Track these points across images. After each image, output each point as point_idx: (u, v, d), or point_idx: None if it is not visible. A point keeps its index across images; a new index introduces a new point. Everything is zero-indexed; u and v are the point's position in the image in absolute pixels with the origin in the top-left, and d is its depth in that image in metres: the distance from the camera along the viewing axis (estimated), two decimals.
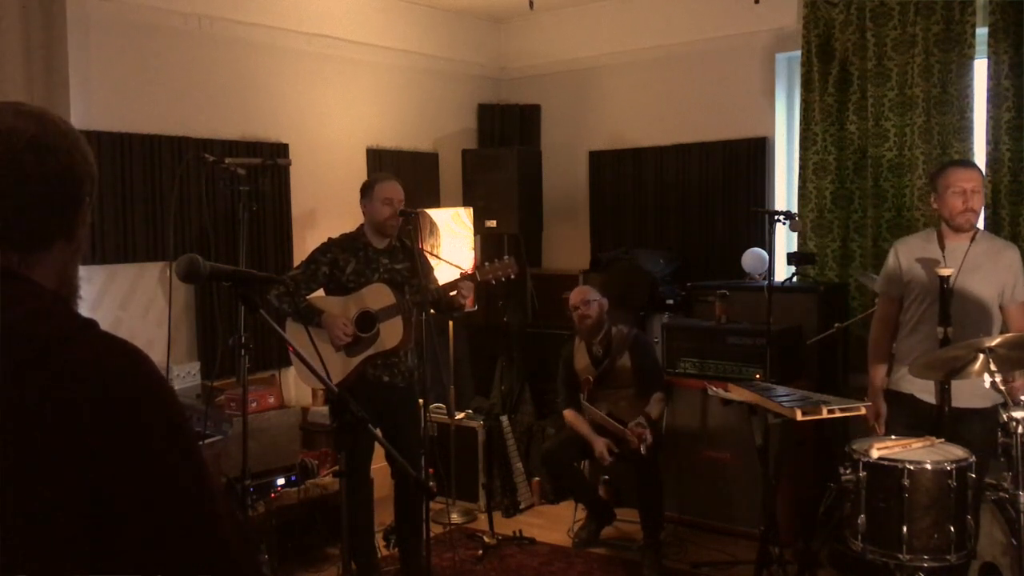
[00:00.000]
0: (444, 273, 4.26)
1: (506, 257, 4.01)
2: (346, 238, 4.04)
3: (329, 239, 4.07)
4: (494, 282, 4.00)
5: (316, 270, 3.97)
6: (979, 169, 3.68)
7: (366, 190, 4.01)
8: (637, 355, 4.59)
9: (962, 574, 3.17)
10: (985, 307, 3.53)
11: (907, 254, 3.68)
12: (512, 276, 4.00)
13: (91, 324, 1.07)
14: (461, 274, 3.99)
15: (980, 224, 4.52)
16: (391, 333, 3.87)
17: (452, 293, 3.95)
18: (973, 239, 3.55)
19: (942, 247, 3.57)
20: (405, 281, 3.94)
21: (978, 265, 3.52)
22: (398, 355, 3.97)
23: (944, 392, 3.37)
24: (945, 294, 3.42)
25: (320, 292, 4.02)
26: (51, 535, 0.96)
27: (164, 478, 1.02)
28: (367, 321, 3.87)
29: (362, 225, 4.05)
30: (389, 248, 4.01)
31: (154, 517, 1.00)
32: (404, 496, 4.11)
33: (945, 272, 3.43)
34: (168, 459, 1.03)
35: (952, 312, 3.46)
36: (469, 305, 4.20)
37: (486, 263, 4.02)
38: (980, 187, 3.56)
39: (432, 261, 4.37)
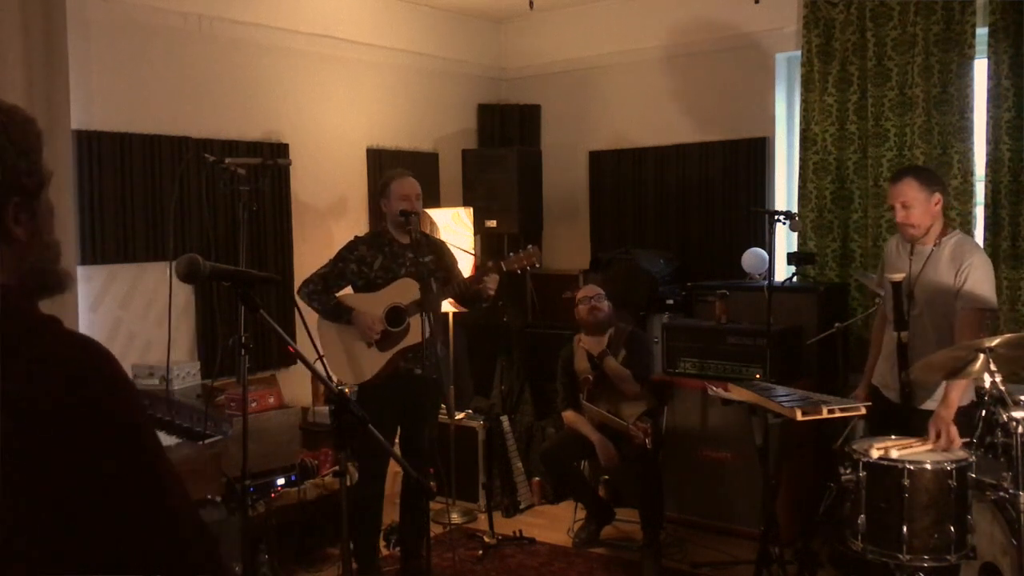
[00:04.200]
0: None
1: (530, 247, 4.02)
2: (371, 235, 4.15)
3: (356, 237, 4.16)
4: (519, 272, 4.04)
5: (344, 268, 4.04)
6: (913, 179, 3.52)
7: (383, 189, 4.07)
8: (630, 352, 4.59)
9: (954, 574, 3.18)
10: (945, 310, 3.49)
11: (887, 253, 3.78)
12: (538, 265, 4.03)
13: (51, 321, 1.07)
14: (489, 264, 4.00)
15: (980, 224, 4.58)
16: (420, 326, 3.91)
17: (479, 285, 3.98)
18: (937, 243, 3.53)
19: (911, 250, 3.60)
20: (431, 274, 3.98)
21: (938, 268, 3.52)
22: (428, 348, 4.00)
23: (904, 391, 3.46)
24: (899, 298, 3.44)
25: (348, 289, 4.08)
26: (12, 528, 0.97)
27: (119, 472, 1.03)
28: (397, 316, 3.92)
29: (385, 223, 4.10)
30: (414, 243, 4.03)
31: (111, 510, 1.02)
32: (410, 496, 4.13)
33: (896, 277, 3.46)
34: (124, 454, 1.04)
35: (915, 314, 3.51)
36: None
37: (511, 253, 4.05)
38: (914, 199, 3.47)
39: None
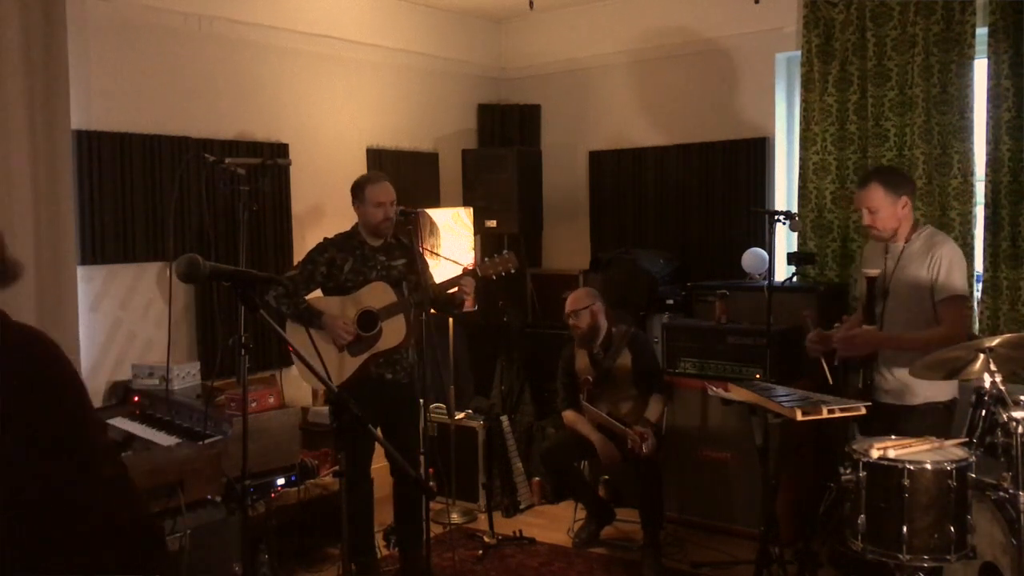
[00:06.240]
0: (446, 270, 4.26)
1: (505, 252, 4.01)
2: (342, 237, 4.05)
3: (325, 239, 4.07)
4: (495, 277, 4.00)
5: (314, 270, 3.97)
6: (879, 185, 3.55)
7: (357, 192, 4.01)
8: (635, 354, 4.59)
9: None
10: (918, 305, 3.53)
11: (866, 255, 3.84)
12: (513, 270, 4.00)
13: None
14: (463, 270, 4.00)
15: (979, 224, 4.58)
16: (393, 331, 3.88)
17: (453, 290, 3.96)
18: (908, 240, 3.59)
19: (886, 249, 3.65)
20: (403, 277, 3.94)
21: (910, 264, 3.56)
22: (400, 352, 3.98)
23: (866, 386, 3.57)
24: (872, 294, 3.52)
25: (318, 292, 4.02)
26: None
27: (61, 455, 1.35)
28: (369, 320, 3.88)
29: (357, 224, 4.05)
30: (385, 245, 4.01)
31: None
32: (404, 495, 4.12)
33: (871, 273, 3.53)
34: (67, 441, 1.35)
35: (890, 310, 3.56)
36: (469, 305, 4.19)
37: (486, 259, 4.02)
38: (879, 203, 3.53)
39: (433, 259, 4.36)
